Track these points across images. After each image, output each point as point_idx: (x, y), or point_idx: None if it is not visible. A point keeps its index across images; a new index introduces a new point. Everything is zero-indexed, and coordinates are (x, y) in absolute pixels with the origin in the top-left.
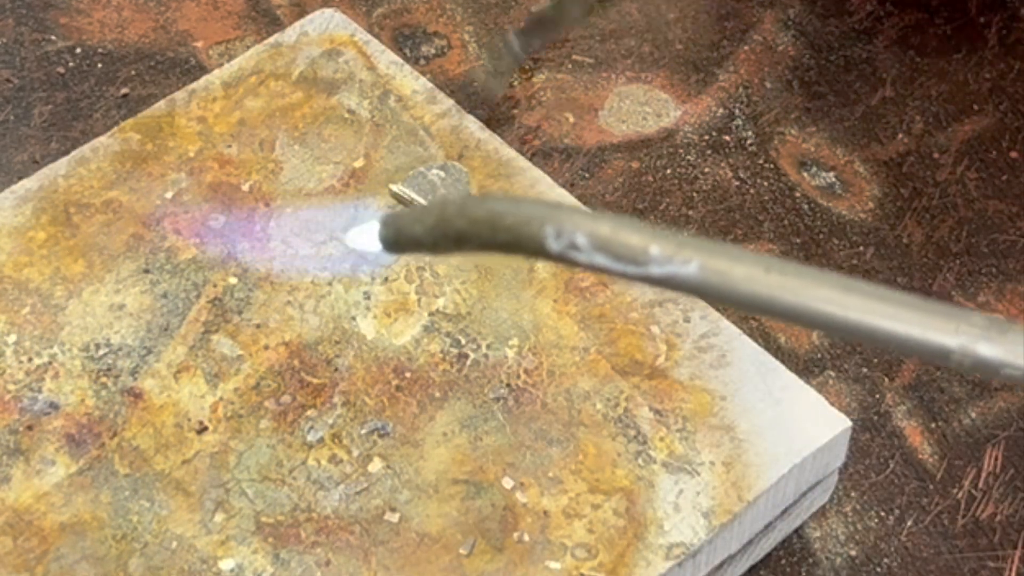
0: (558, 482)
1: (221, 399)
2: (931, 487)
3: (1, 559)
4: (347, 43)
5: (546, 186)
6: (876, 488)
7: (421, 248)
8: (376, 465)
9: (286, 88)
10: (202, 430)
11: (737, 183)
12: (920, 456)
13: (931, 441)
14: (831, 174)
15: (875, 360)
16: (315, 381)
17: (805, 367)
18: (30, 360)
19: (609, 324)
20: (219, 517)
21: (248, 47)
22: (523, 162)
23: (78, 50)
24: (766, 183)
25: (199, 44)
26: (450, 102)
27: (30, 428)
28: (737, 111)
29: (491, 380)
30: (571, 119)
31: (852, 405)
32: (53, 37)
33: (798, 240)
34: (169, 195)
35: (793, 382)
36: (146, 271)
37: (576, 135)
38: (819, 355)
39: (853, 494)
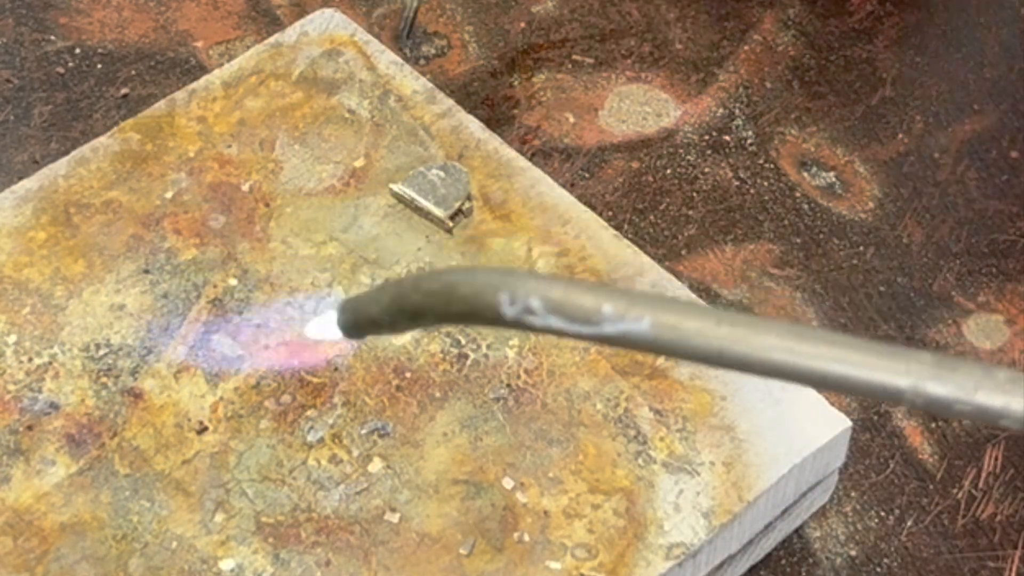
0: (558, 482)
1: (221, 399)
2: (931, 487)
3: (1, 559)
4: (347, 43)
5: (546, 186)
6: (876, 488)
7: (380, 328)
8: (376, 465)
9: (286, 88)
10: (202, 430)
11: (737, 183)
12: (920, 456)
13: (931, 441)
14: (831, 174)
15: None
16: (315, 381)
17: None
18: (30, 360)
19: None
20: (219, 517)
21: (248, 47)
22: (523, 162)
23: (78, 50)
24: (766, 183)
25: (199, 44)
26: (450, 102)
27: (30, 428)
28: (737, 111)
29: (491, 380)
30: (571, 119)
31: (852, 405)
32: (53, 37)
33: (798, 240)
34: (169, 195)
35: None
36: (146, 271)
37: (576, 135)
38: None
39: (853, 494)
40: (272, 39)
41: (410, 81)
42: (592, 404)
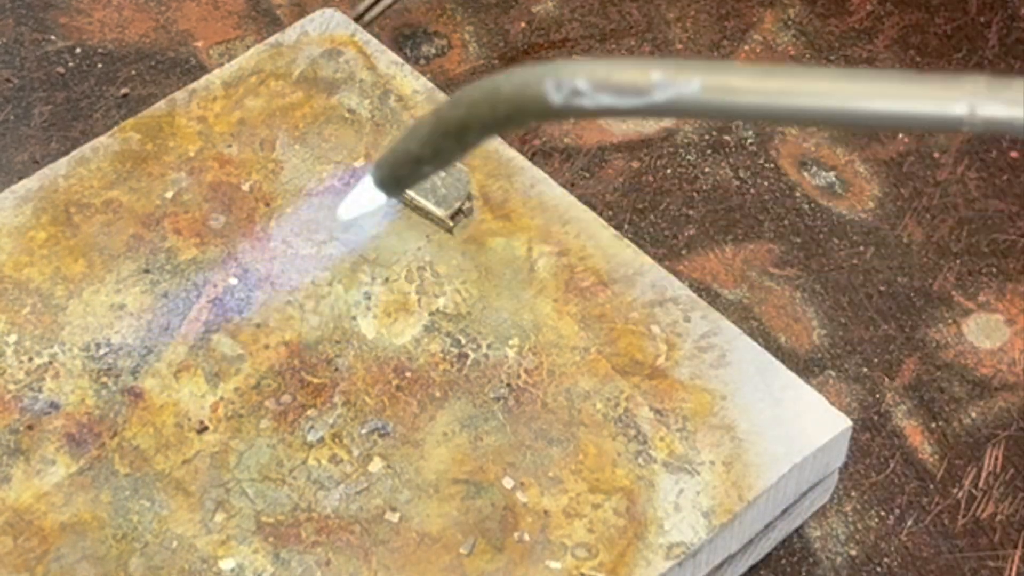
0: (558, 482)
1: (222, 399)
2: (931, 487)
3: (1, 559)
4: (347, 43)
5: (546, 185)
6: (876, 488)
7: (423, 165)
8: (376, 465)
9: (286, 88)
10: (202, 430)
11: (737, 183)
12: (920, 456)
13: (931, 441)
14: (831, 174)
15: (875, 360)
16: (315, 381)
17: (805, 367)
18: (30, 360)
19: (609, 324)
20: (219, 517)
21: (248, 47)
22: (523, 161)
23: (78, 50)
24: (766, 183)
25: (199, 44)
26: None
27: (30, 428)
28: None
29: (491, 380)
30: (571, 119)
31: (852, 405)
32: (53, 37)
33: (798, 240)
34: (169, 195)
35: (793, 381)
36: (146, 271)
37: (576, 135)
38: (819, 355)
39: (853, 494)
40: (272, 39)
41: (410, 81)
42: (592, 404)
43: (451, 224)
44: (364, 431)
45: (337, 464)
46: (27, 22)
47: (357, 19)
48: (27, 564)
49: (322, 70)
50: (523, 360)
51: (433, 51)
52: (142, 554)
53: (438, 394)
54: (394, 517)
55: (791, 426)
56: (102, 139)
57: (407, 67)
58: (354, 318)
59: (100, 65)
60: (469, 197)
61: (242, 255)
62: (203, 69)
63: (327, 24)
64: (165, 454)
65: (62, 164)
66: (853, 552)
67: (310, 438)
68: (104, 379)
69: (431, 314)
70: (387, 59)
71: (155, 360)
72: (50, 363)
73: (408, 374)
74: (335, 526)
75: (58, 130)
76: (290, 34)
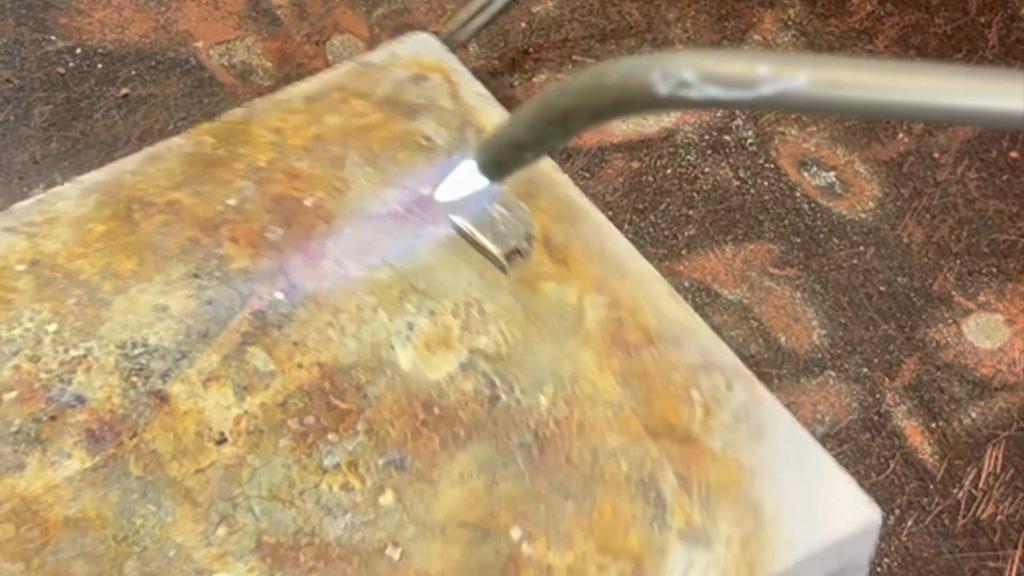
0: (567, 538)
1: (246, 412)
2: (931, 487)
3: (1, 546)
4: (435, 69)
5: (610, 235)
6: (876, 488)
7: (525, 151)
8: (387, 497)
9: (367, 108)
10: (221, 441)
11: (737, 183)
12: (920, 456)
13: (931, 441)
14: (831, 174)
15: (875, 360)
16: (342, 405)
17: (805, 367)
18: (66, 351)
19: (649, 383)
20: (222, 531)
21: (248, 47)
22: (591, 207)
23: (78, 50)
24: (766, 183)
25: (199, 44)
26: None
27: (53, 419)
28: (737, 111)
29: (518, 426)
30: None
31: (852, 405)
32: (53, 37)
33: (798, 240)
34: (232, 202)
35: (830, 466)
36: (195, 276)
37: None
38: (819, 355)
39: None
40: (363, 57)
41: (492, 113)
42: (617, 462)
43: (505, 263)
44: (381, 462)
45: (348, 492)
46: (27, 22)
47: (448, 38)
48: (24, 554)
49: (405, 94)
50: (554, 409)
51: None
52: (139, 558)
53: (462, 434)
54: (395, 553)
55: (818, 511)
56: (176, 139)
57: (491, 99)
58: (392, 347)
59: (100, 65)
60: (528, 238)
61: (292, 270)
62: (203, 69)
63: (418, 48)
64: (180, 461)
65: (133, 160)
66: None
67: (326, 462)
68: (134, 379)
69: (471, 352)
70: (472, 89)
71: (187, 366)
72: (85, 356)
73: (436, 410)
74: (335, 555)
75: (58, 130)
76: (380, 54)
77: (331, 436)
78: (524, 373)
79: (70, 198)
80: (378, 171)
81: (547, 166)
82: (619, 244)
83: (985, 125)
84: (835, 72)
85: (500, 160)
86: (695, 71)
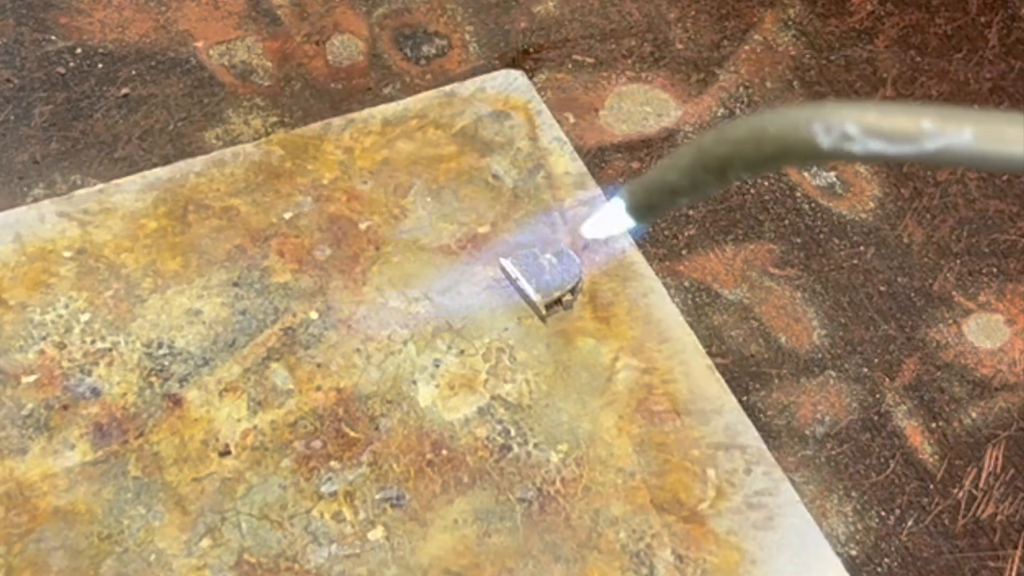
0: None
1: (255, 427)
2: (931, 487)
3: None
4: (519, 108)
5: (658, 298)
6: (876, 488)
7: (679, 196)
8: (377, 533)
9: (442, 139)
10: (224, 453)
11: (737, 183)
12: (920, 456)
13: (931, 441)
14: (831, 174)
15: (875, 360)
16: (352, 434)
17: (805, 367)
18: (93, 343)
19: (666, 455)
20: (205, 543)
21: (248, 47)
22: (645, 269)
23: (78, 50)
24: (766, 183)
25: (199, 44)
26: (597, 191)
27: (65, 408)
28: (738, 111)
29: (524, 480)
30: (571, 119)
31: (852, 405)
32: (53, 37)
33: (798, 240)
34: (288, 216)
35: (835, 566)
36: (235, 284)
37: (576, 135)
38: (819, 355)
39: (853, 494)
40: (449, 87)
41: (566, 161)
42: (616, 531)
43: (544, 313)
44: (379, 496)
45: (339, 523)
46: (27, 22)
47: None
48: (7, 538)
49: (484, 129)
50: (564, 468)
51: (433, 51)
52: (119, 559)
53: (465, 479)
54: None
55: None
56: (246, 146)
57: (569, 147)
58: (415, 382)
59: (100, 65)
60: (574, 291)
61: (331, 292)
62: (203, 69)
63: (507, 85)
64: (180, 467)
65: (198, 161)
66: (853, 552)
67: (323, 489)
68: (152, 379)
69: (492, 398)
70: (552, 134)
71: (207, 373)
72: (110, 350)
73: (444, 451)
74: None
75: (58, 130)
76: (468, 86)
77: (334, 463)
78: (541, 427)
79: (130, 191)
80: (439, 203)
81: None
82: (666, 309)
83: None
84: (1000, 127)
85: (651, 203)
86: (858, 125)
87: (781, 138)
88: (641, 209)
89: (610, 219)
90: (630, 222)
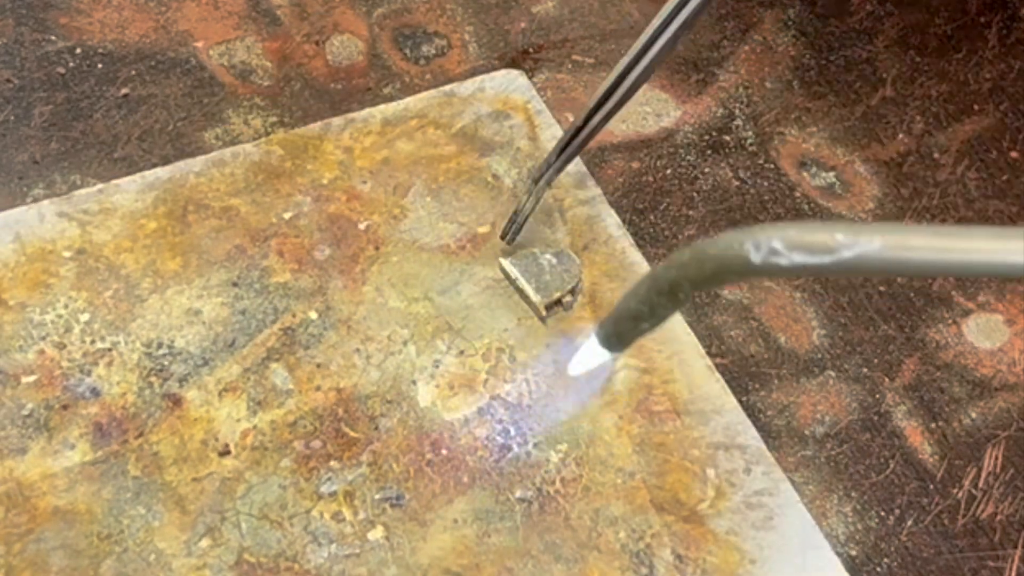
0: None
1: (254, 427)
2: (931, 487)
3: None
4: (518, 108)
5: None
6: (876, 488)
7: (641, 321)
8: (376, 533)
9: (442, 139)
10: (224, 453)
11: (737, 183)
12: (920, 456)
13: (931, 441)
14: (831, 174)
15: (875, 360)
16: (351, 434)
17: (805, 367)
18: (93, 343)
19: (666, 455)
20: (205, 543)
21: (248, 47)
22: (645, 269)
23: (78, 50)
24: (766, 183)
25: (199, 44)
26: (597, 191)
27: (65, 408)
28: (737, 111)
29: (524, 480)
30: (571, 119)
31: (852, 405)
32: (53, 37)
33: None
34: (287, 215)
35: (834, 566)
36: (234, 284)
37: None
38: (819, 355)
39: (853, 494)
40: (449, 87)
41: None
42: (616, 531)
43: (544, 314)
44: (378, 496)
45: (339, 523)
46: (27, 22)
47: (508, 237)
48: (7, 538)
49: (484, 129)
50: (564, 468)
51: (433, 51)
52: (118, 559)
53: (465, 479)
54: None
55: None
56: (246, 146)
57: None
58: (415, 382)
59: (100, 65)
60: (573, 292)
61: (331, 292)
62: (203, 69)
63: (507, 85)
64: (180, 467)
65: (198, 161)
66: (853, 552)
67: (323, 489)
68: (152, 379)
69: (492, 398)
70: (551, 133)
71: (207, 373)
72: (109, 350)
73: (444, 451)
74: None
75: (58, 130)
76: (467, 87)
77: (334, 463)
78: (541, 427)
79: (129, 191)
80: (439, 203)
81: (611, 222)
82: None
83: None
84: (905, 237)
85: (619, 332)
86: (782, 241)
87: (719, 257)
88: (612, 339)
89: (589, 354)
90: (606, 353)
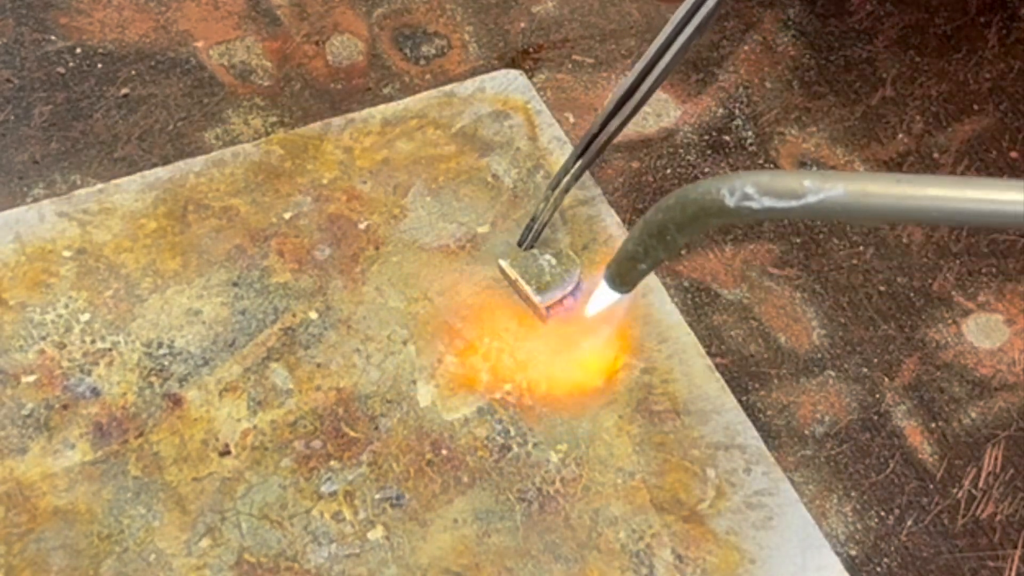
0: None
1: (255, 427)
2: (931, 487)
3: None
4: (519, 108)
5: (658, 299)
6: (876, 488)
7: (637, 261)
8: (377, 533)
9: (442, 139)
10: (224, 453)
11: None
12: (920, 456)
13: (931, 441)
14: None
15: (875, 360)
16: (351, 434)
17: (805, 367)
18: (93, 342)
19: (666, 454)
20: (205, 543)
21: (248, 47)
22: None
23: (78, 50)
24: None
25: (199, 44)
26: (597, 191)
27: (65, 407)
28: (737, 111)
29: (524, 479)
30: (571, 119)
31: (852, 405)
32: (53, 37)
33: (798, 240)
34: (287, 215)
35: (833, 565)
36: (234, 284)
37: (576, 135)
38: (819, 355)
39: (853, 494)
40: (448, 87)
41: (565, 160)
42: (616, 531)
43: (545, 313)
44: (378, 496)
45: (339, 522)
46: (27, 22)
47: (525, 244)
48: (7, 538)
49: (484, 129)
50: (564, 468)
51: (433, 51)
52: (119, 559)
53: (465, 479)
54: None
55: None
56: (246, 146)
57: (568, 147)
58: (414, 382)
59: (100, 65)
60: (574, 292)
61: (331, 292)
62: (203, 69)
63: (507, 85)
64: (180, 467)
65: (198, 161)
66: (853, 552)
67: (323, 489)
68: (152, 379)
69: (492, 398)
70: (551, 133)
71: (207, 373)
72: (109, 350)
73: (444, 451)
74: None
75: (58, 130)
76: (467, 86)
77: (334, 463)
78: (541, 427)
79: (129, 191)
80: (439, 203)
81: (611, 222)
82: (665, 309)
83: (992, 227)
84: (866, 184)
85: (621, 273)
86: (755, 186)
87: (698, 201)
88: (616, 280)
89: (600, 295)
90: (614, 294)
